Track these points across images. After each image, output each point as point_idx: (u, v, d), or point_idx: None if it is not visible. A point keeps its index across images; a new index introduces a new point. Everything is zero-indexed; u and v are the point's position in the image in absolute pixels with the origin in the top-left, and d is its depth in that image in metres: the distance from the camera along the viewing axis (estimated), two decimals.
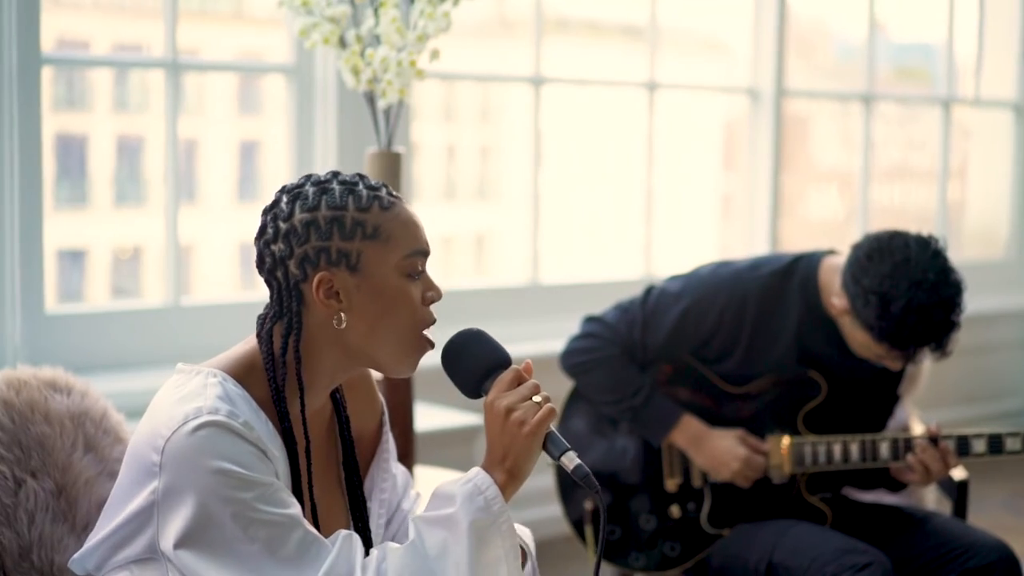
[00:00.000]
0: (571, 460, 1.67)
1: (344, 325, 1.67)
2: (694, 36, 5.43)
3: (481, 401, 1.71)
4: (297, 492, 1.69)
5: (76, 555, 1.73)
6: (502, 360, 1.73)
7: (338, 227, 1.66)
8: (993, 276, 5.83)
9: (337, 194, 1.68)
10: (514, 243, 5.04)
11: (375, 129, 2.94)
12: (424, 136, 5.46)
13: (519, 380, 1.70)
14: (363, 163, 3.08)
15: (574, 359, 2.94)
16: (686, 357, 2.91)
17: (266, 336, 1.69)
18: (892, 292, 2.61)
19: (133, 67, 4.37)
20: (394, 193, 1.73)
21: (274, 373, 1.68)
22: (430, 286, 1.74)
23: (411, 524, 1.66)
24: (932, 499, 3.71)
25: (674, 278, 2.93)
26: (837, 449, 2.80)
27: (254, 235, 1.72)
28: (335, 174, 1.73)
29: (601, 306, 3.01)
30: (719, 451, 2.84)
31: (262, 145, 5.26)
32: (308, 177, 1.72)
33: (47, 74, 3.46)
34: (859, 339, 2.73)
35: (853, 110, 5.58)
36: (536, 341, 4.04)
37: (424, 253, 1.72)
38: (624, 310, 2.92)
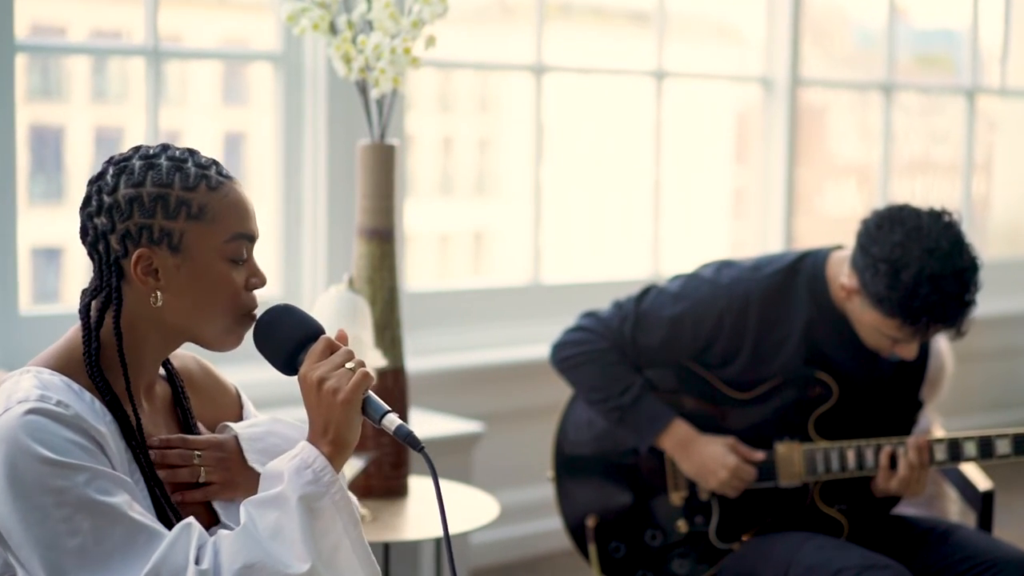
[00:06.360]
0: (392, 422, 1.72)
1: (160, 304, 1.72)
2: (704, 22, 5.42)
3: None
4: (141, 470, 1.71)
5: None
6: (313, 332, 1.76)
7: (162, 205, 1.70)
8: (1020, 275, 5.83)
9: (164, 170, 1.72)
10: (514, 241, 5.03)
11: (367, 120, 2.94)
12: (419, 128, 5.45)
13: (331, 349, 1.74)
14: (355, 156, 3.08)
15: (563, 353, 2.95)
16: (687, 362, 2.90)
17: (84, 310, 1.74)
18: (903, 259, 2.62)
19: (112, 55, 4.38)
20: (225, 173, 1.76)
21: (88, 347, 1.72)
22: (254, 272, 1.78)
23: (242, 508, 1.69)
24: (955, 510, 3.71)
25: (675, 278, 2.94)
26: (851, 455, 2.80)
27: (79, 205, 1.76)
28: (165, 147, 1.76)
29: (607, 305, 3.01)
30: (706, 458, 2.84)
31: (248, 137, 5.25)
32: (137, 149, 1.76)
33: (21, 62, 3.45)
34: (869, 322, 2.72)
35: (872, 100, 5.58)
36: (537, 344, 4.05)
37: (250, 237, 1.76)
38: (619, 306, 2.93)
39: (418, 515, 2.86)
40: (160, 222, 1.70)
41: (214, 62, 4.66)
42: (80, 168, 5.16)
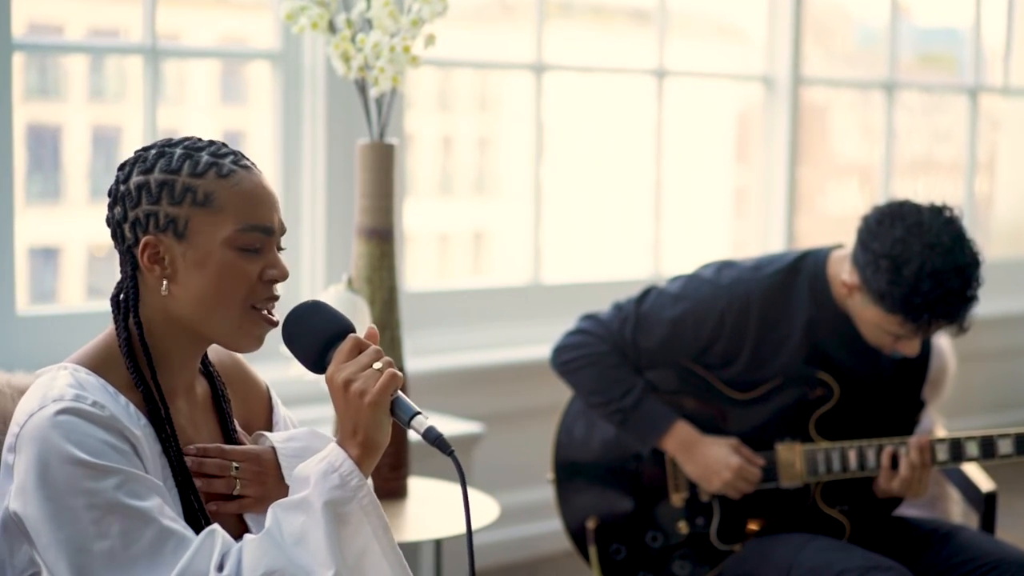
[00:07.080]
0: (421, 424, 1.68)
1: (167, 293, 1.71)
2: (705, 20, 5.42)
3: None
4: (176, 471, 1.71)
5: None
6: (342, 330, 1.73)
7: (167, 191, 1.69)
8: (1023, 275, 5.83)
9: (174, 158, 1.71)
10: (514, 240, 5.03)
11: (367, 119, 2.94)
12: (419, 127, 5.45)
13: (359, 349, 1.70)
14: (354, 155, 3.08)
15: (563, 356, 2.95)
16: (688, 363, 2.91)
17: (113, 300, 1.74)
18: (904, 255, 2.63)
19: (110, 53, 4.38)
20: (243, 163, 1.74)
21: (120, 337, 1.71)
22: (272, 263, 1.75)
23: (269, 511, 1.67)
24: (958, 512, 3.71)
25: (675, 278, 2.94)
26: (852, 456, 2.80)
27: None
28: (187, 138, 1.76)
29: (607, 307, 3.01)
30: (710, 460, 2.84)
31: (246, 136, 5.25)
32: (159, 141, 1.76)
33: (18, 61, 3.45)
34: (870, 318, 2.72)
35: (874, 99, 5.58)
36: (537, 344, 4.05)
37: (263, 229, 1.73)
38: (619, 307, 2.94)
39: (417, 516, 2.86)
40: (165, 208, 1.69)
41: (212, 61, 4.66)
42: (78, 167, 5.16)
